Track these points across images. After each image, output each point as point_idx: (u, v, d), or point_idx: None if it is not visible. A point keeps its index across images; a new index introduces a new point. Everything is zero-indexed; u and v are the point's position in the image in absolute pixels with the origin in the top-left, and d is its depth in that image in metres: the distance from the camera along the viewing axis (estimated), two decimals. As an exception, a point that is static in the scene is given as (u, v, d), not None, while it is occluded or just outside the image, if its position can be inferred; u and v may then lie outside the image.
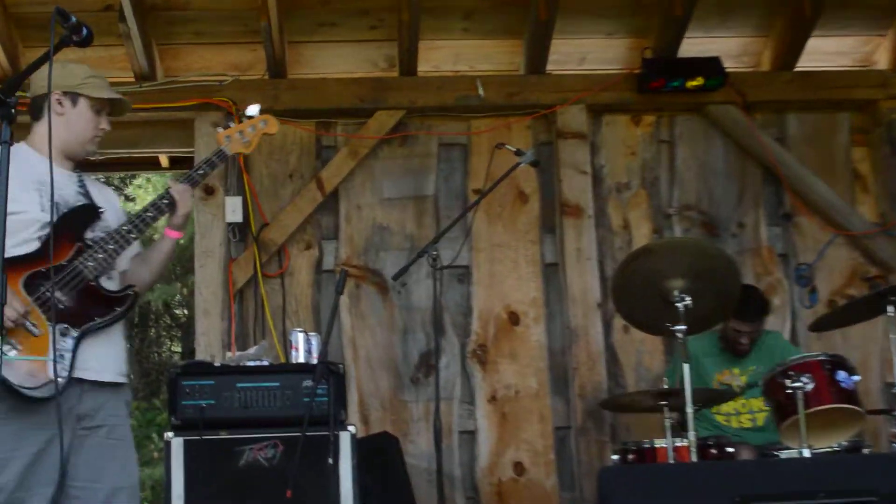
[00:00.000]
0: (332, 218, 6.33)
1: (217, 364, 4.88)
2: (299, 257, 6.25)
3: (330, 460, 4.44)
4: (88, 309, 3.82)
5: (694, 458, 4.62)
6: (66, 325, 3.75)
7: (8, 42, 6.11)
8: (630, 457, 4.98)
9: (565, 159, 6.35)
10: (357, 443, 4.66)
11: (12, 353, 3.62)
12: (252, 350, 5.02)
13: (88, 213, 3.96)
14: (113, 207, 4.13)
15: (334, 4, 6.28)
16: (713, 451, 4.88)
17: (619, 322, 6.10)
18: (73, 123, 3.94)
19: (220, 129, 4.42)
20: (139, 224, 3.99)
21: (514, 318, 6.23)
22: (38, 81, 3.94)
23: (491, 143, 5.98)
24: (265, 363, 4.85)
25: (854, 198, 6.55)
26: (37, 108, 3.98)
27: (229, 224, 6.11)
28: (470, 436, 6.12)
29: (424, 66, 6.53)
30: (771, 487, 4.18)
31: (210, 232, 6.13)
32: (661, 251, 5.03)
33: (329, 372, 4.61)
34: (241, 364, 4.80)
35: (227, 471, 4.49)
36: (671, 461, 4.74)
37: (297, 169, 6.36)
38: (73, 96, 3.94)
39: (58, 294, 3.74)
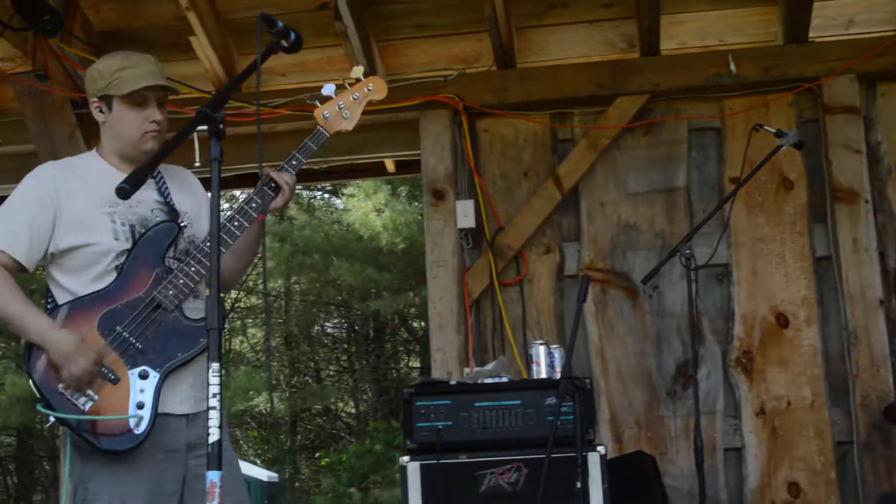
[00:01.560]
0: (572, 218, 6.31)
1: (453, 382, 4.94)
2: (538, 262, 6.25)
3: (578, 484, 4.41)
4: (170, 344, 3.66)
5: None
6: (145, 368, 3.62)
7: (223, 50, 6.39)
8: (925, 476, 4.72)
9: (835, 138, 6.12)
10: (608, 464, 4.62)
11: (87, 406, 3.54)
12: (490, 366, 5.05)
13: (168, 231, 3.78)
14: (200, 205, 3.98)
15: (564, -18, 6.28)
16: None
17: (907, 321, 5.81)
18: (116, 128, 3.78)
19: (317, 103, 3.95)
20: (233, 229, 3.72)
21: (782, 321, 6.03)
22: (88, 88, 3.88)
23: (747, 125, 5.83)
24: (505, 379, 4.88)
25: None
26: (93, 118, 3.90)
27: (461, 230, 6.18)
28: (736, 453, 5.96)
29: (668, 44, 6.44)
30: None
31: (441, 240, 6.21)
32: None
33: (574, 388, 4.59)
34: (479, 381, 4.84)
35: (468, 496, 4.56)
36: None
37: (532, 166, 6.37)
38: (107, 99, 3.78)
39: (134, 333, 3.62)
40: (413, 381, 15.41)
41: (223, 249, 3.64)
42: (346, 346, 18.26)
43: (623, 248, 6.22)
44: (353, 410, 17.56)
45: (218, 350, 2.86)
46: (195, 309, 3.75)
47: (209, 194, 3.92)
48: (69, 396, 3.53)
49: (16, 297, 3.62)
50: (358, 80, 4.00)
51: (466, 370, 5.43)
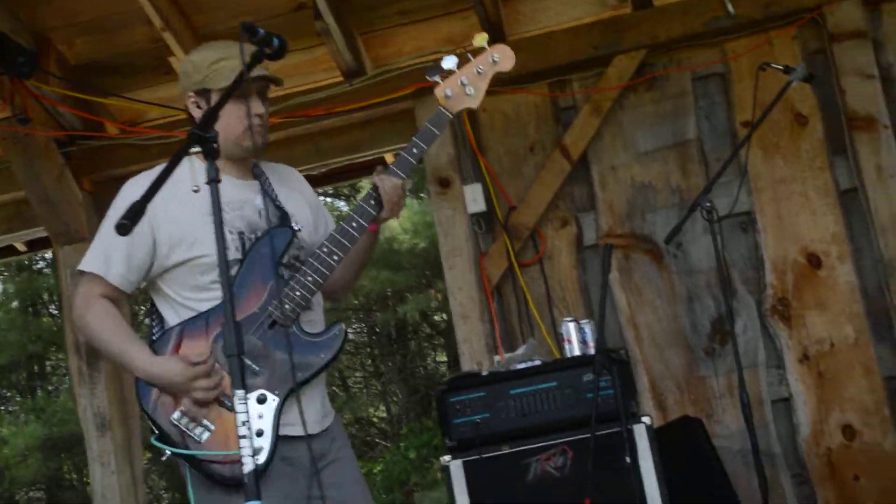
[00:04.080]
0: (585, 187, 6.39)
1: (485, 373, 5.02)
2: (556, 238, 6.34)
3: (627, 459, 4.50)
4: (288, 364, 3.52)
5: None
6: (263, 392, 3.53)
7: (205, 65, 6.47)
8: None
9: (845, 66, 6.16)
10: (655, 434, 4.71)
11: (204, 437, 3.50)
12: (521, 350, 5.15)
13: (282, 236, 3.66)
14: (307, 205, 3.90)
15: (546, -55, 6.35)
16: None
17: (943, 243, 5.87)
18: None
19: (438, 79, 3.77)
20: (344, 241, 3.64)
21: (814, 261, 6.10)
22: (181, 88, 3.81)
23: (753, 65, 5.85)
24: (537, 362, 4.97)
25: None
26: (189, 115, 3.79)
27: (472, 215, 6.27)
28: (785, 404, 6.04)
29: (660, -7, 6.50)
30: None
31: (453, 229, 6.31)
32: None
33: (610, 361, 4.67)
34: (512, 368, 4.93)
35: (516, 488, 4.65)
36: None
37: (538, 140, 6.45)
38: (205, 93, 3.68)
39: (250, 354, 3.51)
40: (442, 377, 15.51)
41: (342, 254, 3.62)
42: (369, 349, 18.35)
43: (641, 210, 6.29)
44: (384, 415, 17.67)
45: (241, 377, 2.85)
46: (311, 322, 3.69)
47: (314, 194, 4.00)
48: (184, 428, 3.50)
49: (117, 334, 3.59)
50: (482, 50, 3.82)
51: (497, 358, 5.51)
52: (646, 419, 4.67)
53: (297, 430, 3.53)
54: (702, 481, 5.27)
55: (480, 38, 3.83)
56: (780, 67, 5.37)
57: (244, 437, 2.82)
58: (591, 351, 4.98)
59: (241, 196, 3.66)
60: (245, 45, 3.25)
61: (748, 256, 6.18)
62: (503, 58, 3.85)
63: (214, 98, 3.60)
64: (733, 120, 6.31)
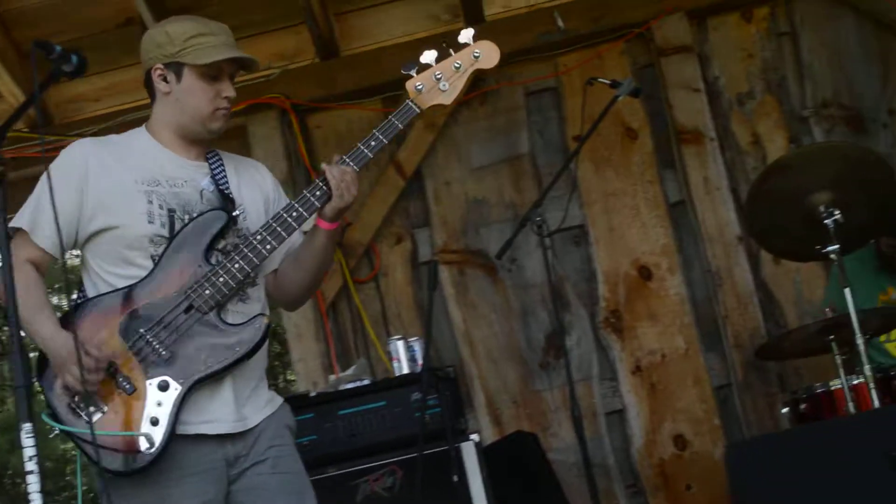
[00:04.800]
0: (419, 202, 6.41)
1: (313, 394, 4.99)
2: (391, 254, 6.35)
3: (455, 477, 4.50)
4: (200, 353, 3.35)
5: (874, 395, 4.52)
6: (165, 378, 3.31)
7: (27, 84, 6.32)
8: (802, 407, 4.89)
9: (672, 79, 6.29)
10: (487, 450, 4.72)
11: (95, 417, 3.26)
12: (350, 370, 5.14)
13: (215, 219, 3.47)
14: (262, 199, 3.68)
15: (377, -41, 6.34)
16: (896, 382, 4.77)
17: (767, 254, 6.01)
18: (183, 101, 3.49)
19: (412, 72, 3.64)
20: (280, 230, 3.45)
21: (645, 273, 6.21)
22: (142, 56, 3.58)
23: (584, 80, 5.85)
24: (366, 382, 4.95)
25: None
26: (148, 86, 3.60)
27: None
28: (618, 416, 6.14)
29: (493, 8, 6.57)
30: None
31: (284, 247, 6.23)
32: (798, 163, 4.94)
33: (438, 378, 4.68)
34: (339, 388, 4.90)
35: (346, 509, 4.61)
36: (850, 405, 4.64)
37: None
38: (177, 67, 3.49)
39: (159, 337, 3.33)
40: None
41: (275, 244, 3.42)
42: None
43: (475, 225, 6.33)
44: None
45: (28, 409, 2.70)
46: (238, 313, 3.46)
47: (280, 194, 3.72)
48: (75, 406, 3.29)
49: (28, 301, 3.33)
50: (465, 45, 3.66)
51: (332, 377, 5.47)
52: (474, 436, 4.69)
53: (204, 429, 3.37)
54: (535, 495, 5.30)
55: (465, 34, 3.69)
56: (608, 82, 5.41)
57: (31, 472, 2.70)
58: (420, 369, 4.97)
59: (183, 175, 3.50)
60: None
61: (581, 269, 6.26)
62: (485, 54, 3.70)
63: (188, 75, 3.47)
64: (565, 134, 6.38)
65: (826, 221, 4.70)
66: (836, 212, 4.70)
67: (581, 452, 4.75)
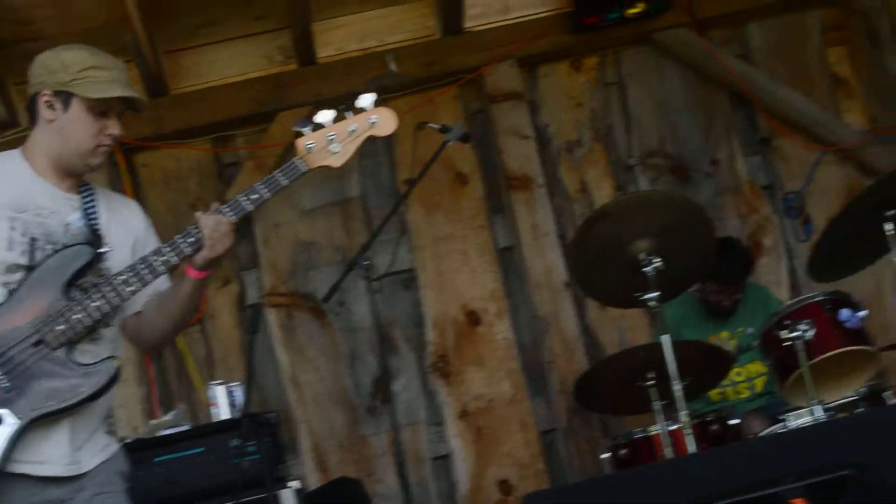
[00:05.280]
0: (248, 244, 6.35)
1: (129, 440, 4.87)
2: (218, 296, 6.27)
3: (273, 526, 4.45)
4: (43, 389, 3.25)
5: (690, 441, 4.60)
6: (2, 412, 3.21)
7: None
8: (622, 452, 4.96)
9: (502, 126, 6.38)
10: (309, 497, 4.68)
11: None
12: (168, 416, 5.04)
13: (79, 255, 3.37)
14: (132, 239, 3.58)
15: (209, -1, 6.26)
16: (714, 427, 4.86)
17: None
18: (66, 131, 3.40)
19: (306, 130, 3.56)
20: (144, 273, 3.36)
21: (473, 318, 6.25)
22: (30, 79, 3.49)
23: (416, 124, 5.95)
24: (185, 428, 4.86)
25: (838, 106, 6.58)
26: (31, 110, 3.52)
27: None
28: (444, 461, 6.16)
29: (326, 51, 6.53)
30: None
31: (107, 287, 6.11)
32: (620, 211, 5.01)
33: (257, 424, 4.61)
34: (156, 435, 4.80)
35: (162, 560, 4.51)
36: (667, 450, 4.72)
37: (200, 196, 6.35)
38: (66, 96, 3.40)
39: (3, 368, 3.23)
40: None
41: (138, 286, 3.33)
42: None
43: (304, 268, 6.30)
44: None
45: None
46: (89, 352, 3.34)
47: (151, 236, 3.60)
48: None
49: None
50: (363, 111, 3.59)
51: (152, 422, 5.36)
52: (294, 483, 4.65)
53: (37, 469, 3.26)
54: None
55: (364, 99, 3.62)
56: (437, 127, 5.44)
57: None
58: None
59: (52, 205, 3.39)
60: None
61: (410, 314, 6.27)
62: (382, 122, 3.62)
63: (76, 105, 3.37)
64: (396, 178, 6.41)
65: (646, 269, 4.77)
66: (657, 260, 4.78)
67: (405, 498, 4.74)
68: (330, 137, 3.55)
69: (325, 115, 3.55)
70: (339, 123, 3.57)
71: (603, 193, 6.39)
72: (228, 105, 6.36)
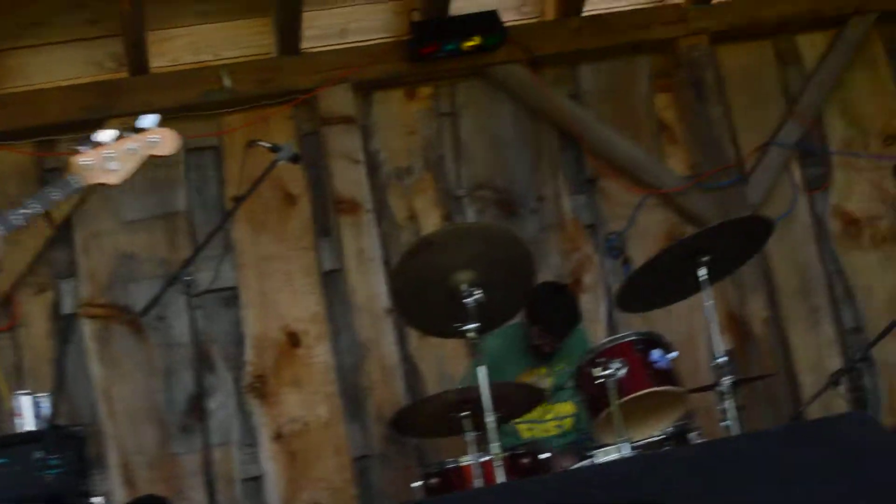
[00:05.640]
0: (66, 252, 6.22)
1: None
2: (31, 304, 6.12)
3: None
4: None
5: (501, 473, 4.66)
6: None
7: None
8: (433, 482, 5.00)
9: (334, 149, 6.39)
10: (113, 514, 4.60)
11: None
12: (-29, 426, 4.89)
13: None
14: None
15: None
16: (525, 460, 4.93)
17: (414, 328, 6.14)
18: None
19: (84, 148, 3.68)
20: None
21: (293, 340, 6.23)
22: None
23: (247, 141, 5.92)
24: (-12, 438, 4.73)
25: (662, 151, 6.77)
26: None
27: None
28: (255, 482, 6.10)
29: (159, 61, 6.47)
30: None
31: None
32: (443, 241, 5.04)
33: (62, 437, 4.52)
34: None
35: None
36: (478, 481, 4.76)
37: (19, 200, 6.16)
38: None
39: None
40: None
41: None
42: None
43: (124, 280, 6.20)
44: None
45: None
46: None
47: None
48: None
49: None
50: (144, 130, 3.71)
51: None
52: (98, 499, 4.56)
53: None
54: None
55: (146, 120, 3.74)
56: (268, 145, 5.43)
57: None
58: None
59: None
60: None
61: (230, 332, 6.22)
62: (165, 142, 3.75)
63: None
64: (224, 194, 6.36)
65: (466, 300, 4.82)
66: (477, 291, 4.83)
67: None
68: (108, 155, 3.65)
69: (105, 134, 3.68)
70: (118, 141, 3.69)
71: (430, 222, 6.45)
72: (55, 109, 6.24)
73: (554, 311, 5.54)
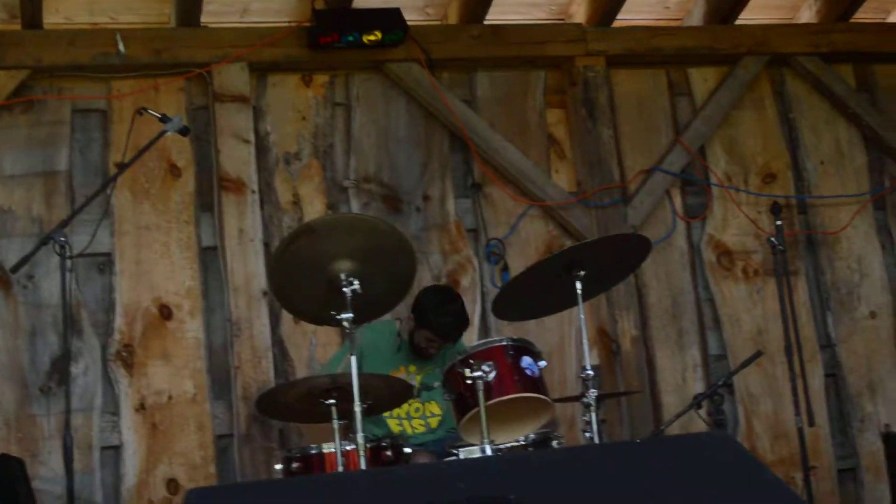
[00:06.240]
0: (-65, 204, 6.09)
1: None
2: None
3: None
4: None
5: (363, 463, 4.70)
6: None
7: None
8: (295, 465, 5.01)
9: (224, 126, 6.38)
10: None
11: None
12: None
13: None
14: None
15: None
16: (388, 453, 4.98)
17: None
18: None
19: None
20: None
21: (165, 312, 6.19)
22: None
23: (136, 108, 5.83)
24: None
25: (549, 165, 6.89)
26: None
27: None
28: (115, 451, 6.04)
29: (53, 18, 6.40)
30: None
31: None
32: (325, 229, 5.05)
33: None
34: None
35: None
36: (340, 468, 4.80)
37: None
38: None
39: None
40: None
41: None
42: None
43: (-4, 235, 6.08)
44: None
45: None
46: None
47: None
48: None
49: None
50: None
51: None
52: (-47, 452, 4.47)
53: None
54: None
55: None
56: (158, 115, 5.34)
57: None
58: None
59: None
60: None
61: (101, 298, 6.15)
62: None
63: None
64: (108, 159, 6.29)
65: (344, 289, 4.85)
66: (356, 282, 4.87)
67: (67, 485, 4.63)
68: None
69: None
70: None
71: (314, 209, 6.47)
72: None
73: (446, 317, 5.62)
